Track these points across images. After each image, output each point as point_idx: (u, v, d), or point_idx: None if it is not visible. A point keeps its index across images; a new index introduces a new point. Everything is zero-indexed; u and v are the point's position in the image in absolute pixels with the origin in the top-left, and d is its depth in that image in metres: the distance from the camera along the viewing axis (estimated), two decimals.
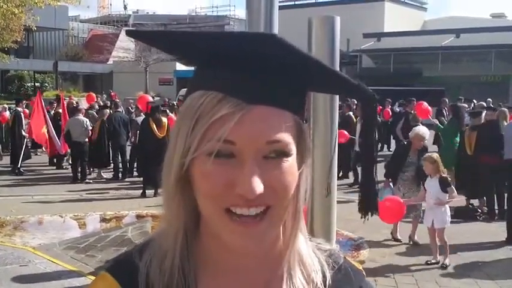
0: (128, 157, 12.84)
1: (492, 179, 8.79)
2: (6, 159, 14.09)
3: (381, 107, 16.18)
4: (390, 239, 7.34)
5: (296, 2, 49.40)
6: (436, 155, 6.62)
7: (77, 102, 15.74)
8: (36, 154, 15.70)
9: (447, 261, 6.32)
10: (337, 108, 3.28)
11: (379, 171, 0.89)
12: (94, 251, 6.69)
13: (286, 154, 0.73)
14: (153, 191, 10.21)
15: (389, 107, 17.59)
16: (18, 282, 5.63)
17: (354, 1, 44.97)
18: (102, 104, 15.36)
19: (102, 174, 12.63)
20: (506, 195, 8.25)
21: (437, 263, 6.34)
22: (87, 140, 12.21)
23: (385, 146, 17.16)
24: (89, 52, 45.24)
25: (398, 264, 6.32)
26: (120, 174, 12.60)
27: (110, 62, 44.20)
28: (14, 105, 15.34)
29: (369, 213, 0.93)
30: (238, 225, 0.72)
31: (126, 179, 12.46)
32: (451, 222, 8.53)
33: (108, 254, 6.51)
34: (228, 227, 0.73)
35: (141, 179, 10.88)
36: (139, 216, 8.82)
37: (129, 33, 0.77)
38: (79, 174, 12.09)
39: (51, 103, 15.78)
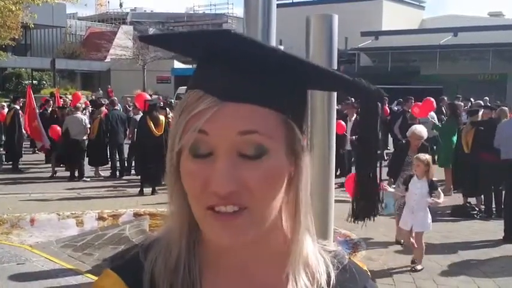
0: (125, 155, 12.83)
1: (491, 177, 8.80)
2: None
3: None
4: (388, 238, 7.34)
5: (294, 0, 49.36)
6: (429, 157, 6.25)
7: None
8: (35, 152, 15.65)
9: (419, 267, 6.05)
10: (335, 108, 3.28)
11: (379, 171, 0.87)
12: (91, 249, 6.68)
13: (265, 151, 0.73)
14: (150, 189, 10.21)
15: (387, 105, 17.57)
16: (15, 280, 5.61)
17: None
18: (97, 101, 15.35)
19: (99, 172, 12.61)
20: (503, 193, 8.26)
21: (414, 268, 6.07)
22: (85, 138, 12.20)
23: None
24: (86, 50, 45.18)
25: (396, 263, 6.32)
26: (117, 172, 12.59)
27: (108, 59, 44.13)
28: (10, 103, 15.30)
29: (367, 219, 0.91)
30: (216, 220, 0.73)
31: (124, 177, 12.45)
32: (449, 220, 8.60)
33: (106, 252, 6.50)
34: (208, 221, 0.74)
35: (139, 177, 10.87)
36: (136, 215, 8.81)
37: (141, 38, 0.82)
38: (76, 173, 12.08)
39: (47, 101, 15.72)
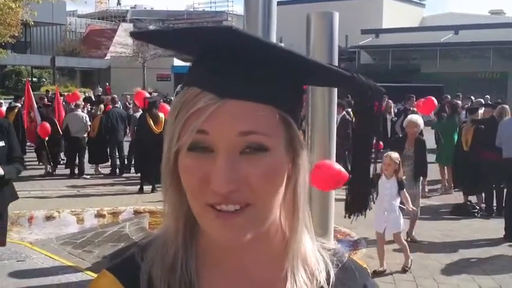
0: (125, 153, 12.83)
1: (492, 175, 8.78)
2: None
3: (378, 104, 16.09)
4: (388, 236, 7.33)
5: None
6: (397, 156, 6.07)
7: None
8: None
9: (409, 262, 6.03)
10: (336, 106, 3.27)
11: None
12: (91, 247, 6.68)
13: (265, 149, 0.72)
14: (150, 186, 10.21)
15: (391, 104, 17.52)
16: (15, 277, 5.61)
17: None
18: (93, 98, 15.29)
19: (99, 169, 12.61)
20: (505, 191, 8.24)
21: (384, 271, 5.92)
22: (85, 135, 12.18)
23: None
24: (86, 47, 45.10)
25: (396, 261, 6.31)
26: (117, 170, 12.58)
27: (108, 57, 44.03)
28: (11, 102, 15.24)
29: (358, 214, 0.91)
30: (217, 218, 0.72)
31: (124, 175, 12.45)
32: (449, 219, 8.59)
33: (105, 250, 6.50)
34: (209, 218, 0.73)
35: (139, 174, 10.87)
36: (136, 212, 8.81)
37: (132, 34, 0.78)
38: (76, 170, 12.08)
39: (41, 98, 15.65)
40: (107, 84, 30.70)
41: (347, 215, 0.93)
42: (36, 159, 13.30)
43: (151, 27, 41.94)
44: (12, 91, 28.12)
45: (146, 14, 58.11)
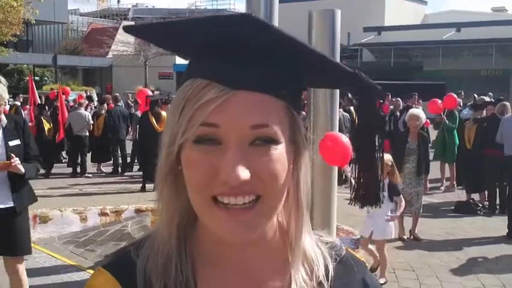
0: (127, 151, 12.82)
1: (495, 173, 8.75)
2: None
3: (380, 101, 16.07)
4: None
5: None
6: (390, 158, 5.60)
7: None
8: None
9: (382, 280, 5.41)
10: (338, 102, 3.25)
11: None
12: (93, 245, 6.69)
13: (274, 141, 0.71)
14: (152, 185, 10.20)
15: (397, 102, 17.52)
16: None
17: None
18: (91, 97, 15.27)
19: (101, 168, 12.62)
20: (508, 189, 8.22)
21: (378, 267, 5.64)
22: (87, 133, 12.18)
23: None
24: (88, 46, 45.17)
25: (399, 260, 6.30)
26: (119, 169, 12.59)
27: (109, 55, 44.11)
28: (11, 99, 15.24)
29: (367, 205, 0.90)
30: (224, 213, 0.70)
31: (126, 173, 12.45)
32: (452, 216, 8.57)
33: (108, 248, 6.50)
34: (215, 215, 0.71)
35: (141, 173, 10.87)
36: (139, 211, 8.81)
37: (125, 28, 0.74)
38: (78, 169, 12.08)
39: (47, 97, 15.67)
40: (108, 82, 30.73)
41: (353, 203, 0.91)
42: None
43: None
44: (14, 90, 28.14)
45: (148, 12, 58.17)
